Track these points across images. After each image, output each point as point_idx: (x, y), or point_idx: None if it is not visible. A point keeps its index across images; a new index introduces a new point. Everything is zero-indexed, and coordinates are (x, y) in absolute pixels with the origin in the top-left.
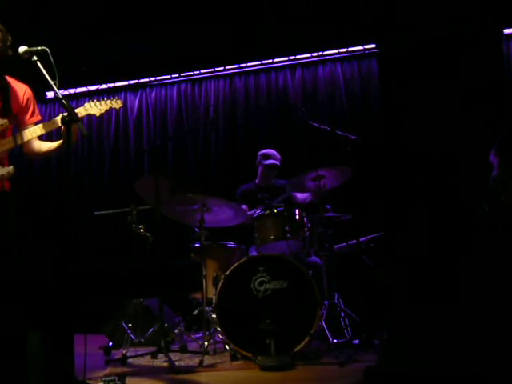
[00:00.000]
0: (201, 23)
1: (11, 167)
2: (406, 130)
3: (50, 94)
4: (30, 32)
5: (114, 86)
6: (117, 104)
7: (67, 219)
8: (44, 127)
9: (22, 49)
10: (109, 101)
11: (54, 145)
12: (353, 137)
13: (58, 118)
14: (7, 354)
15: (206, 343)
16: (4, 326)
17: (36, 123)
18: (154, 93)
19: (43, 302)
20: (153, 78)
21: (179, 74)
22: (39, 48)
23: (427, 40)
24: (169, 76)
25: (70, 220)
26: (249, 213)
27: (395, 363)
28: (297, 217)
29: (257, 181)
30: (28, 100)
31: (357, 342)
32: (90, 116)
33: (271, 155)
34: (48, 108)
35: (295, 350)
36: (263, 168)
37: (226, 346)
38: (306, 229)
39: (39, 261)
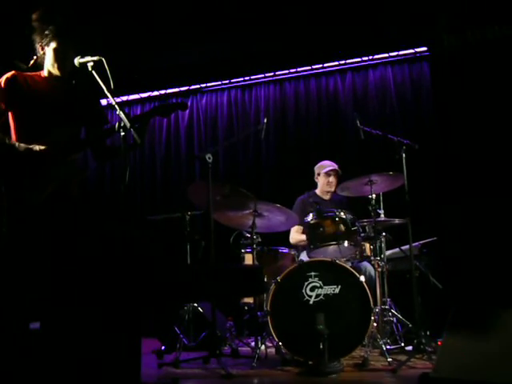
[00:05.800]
0: (250, 29)
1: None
2: (460, 135)
3: (103, 102)
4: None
5: (165, 93)
6: None
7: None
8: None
9: (79, 59)
10: None
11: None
12: (405, 141)
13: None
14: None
15: (257, 348)
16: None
17: None
18: (204, 99)
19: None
20: (203, 85)
21: (229, 80)
22: (95, 58)
23: (480, 42)
24: (219, 82)
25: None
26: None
27: (451, 371)
28: (348, 222)
29: (317, 191)
30: None
31: (410, 348)
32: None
33: (329, 164)
34: None
35: (347, 355)
36: (324, 175)
37: (278, 351)
38: (358, 234)
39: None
